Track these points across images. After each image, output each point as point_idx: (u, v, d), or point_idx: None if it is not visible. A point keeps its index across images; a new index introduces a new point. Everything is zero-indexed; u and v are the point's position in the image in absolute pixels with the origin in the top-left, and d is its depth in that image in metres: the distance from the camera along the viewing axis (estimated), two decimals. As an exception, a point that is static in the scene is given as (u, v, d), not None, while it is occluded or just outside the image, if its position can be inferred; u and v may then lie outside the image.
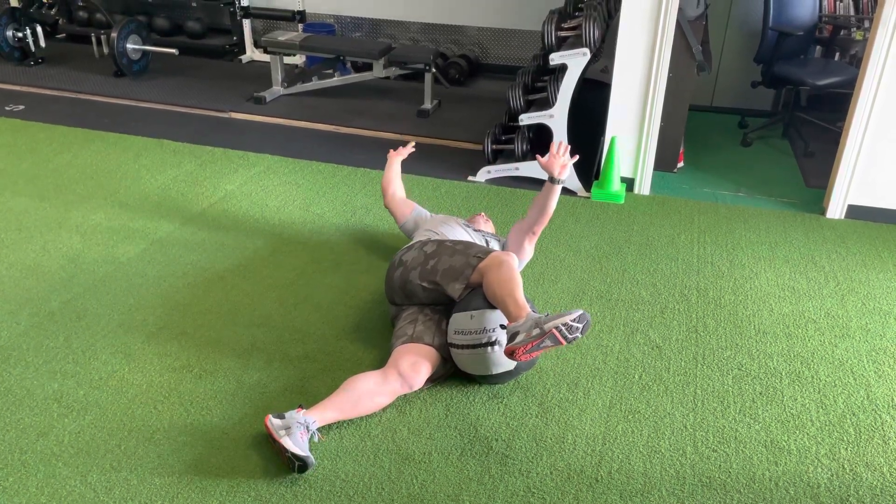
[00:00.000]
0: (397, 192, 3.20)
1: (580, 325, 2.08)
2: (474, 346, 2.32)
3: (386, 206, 3.21)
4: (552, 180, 2.70)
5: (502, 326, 2.27)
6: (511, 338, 2.14)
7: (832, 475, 2.14)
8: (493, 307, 2.32)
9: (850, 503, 2.05)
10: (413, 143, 3.41)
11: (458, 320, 2.37)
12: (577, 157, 2.78)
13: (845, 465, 2.17)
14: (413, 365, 2.31)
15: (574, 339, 2.09)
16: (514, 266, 2.34)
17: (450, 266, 2.45)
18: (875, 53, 3.43)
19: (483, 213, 3.29)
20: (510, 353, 2.14)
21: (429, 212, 3.16)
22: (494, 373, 2.36)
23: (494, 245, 2.88)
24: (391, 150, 3.36)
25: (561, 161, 2.70)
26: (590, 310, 2.90)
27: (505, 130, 4.43)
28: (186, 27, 6.44)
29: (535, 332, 2.09)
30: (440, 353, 2.41)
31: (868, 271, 3.26)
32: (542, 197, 2.74)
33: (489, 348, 2.30)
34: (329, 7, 6.36)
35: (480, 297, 2.36)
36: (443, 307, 2.53)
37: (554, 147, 2.75)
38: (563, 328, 2.07)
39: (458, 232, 2.83)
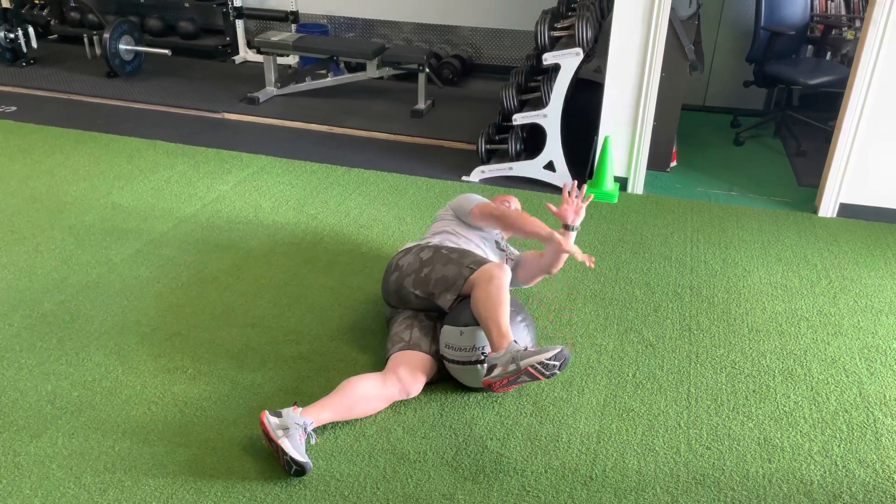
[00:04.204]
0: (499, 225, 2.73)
1: (557, 363, 2.07)
2: (465, 363, 2.33)
3: (484, 215, 2.72)
4: (566, 227, 2.56)
5: (484, 355, 2.28)
6: (489, 370, 2.14)
7: (825, 472, 2.15)
8: None
9: (843, 500, 2.06)
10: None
11: (449, 334, 2.36)
12: (591, 197, 2.61)
13: (838, 462, 2.18)
14: (412, 373, 2.32)
15: (551, 374, 2.09)
16: (503, 283, 2.28)
17: (442, 276, 2.43)
18: (866, 52, 3.45)
19: (497, 199, 3.01)
20: (487, 386, 2.16)
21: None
22: None
23: (505, 257, 2.81)
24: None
25: (574, 206, 2.56)
26: (584, 309, 2.91)
27: (499, 130, 4.43)
28: (179, 28, 6.42)
29: (512, 367, 2.08)
30: (435, 359, 2.41)
31: (860, 269, 3.28)
32: (553, 248, 2.56)
33: (479, 366, 2.31)
34: (322, 7, 6.36)
35: (470, 310, 2.33)
36: (437, 313, 2.52)
37: (566, 192, 2.60)
38: (539, 367, 2.06)
39: (470, 242, 2.68)
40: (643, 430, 2.29)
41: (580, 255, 2.51)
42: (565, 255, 2.61)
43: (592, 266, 2.62)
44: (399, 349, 2.39)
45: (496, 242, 2.81)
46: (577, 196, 2.60)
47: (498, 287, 2.27)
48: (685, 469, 2.14)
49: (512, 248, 2.92)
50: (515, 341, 2.18)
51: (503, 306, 2.23)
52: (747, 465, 2.17)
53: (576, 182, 2.63)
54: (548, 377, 2.09)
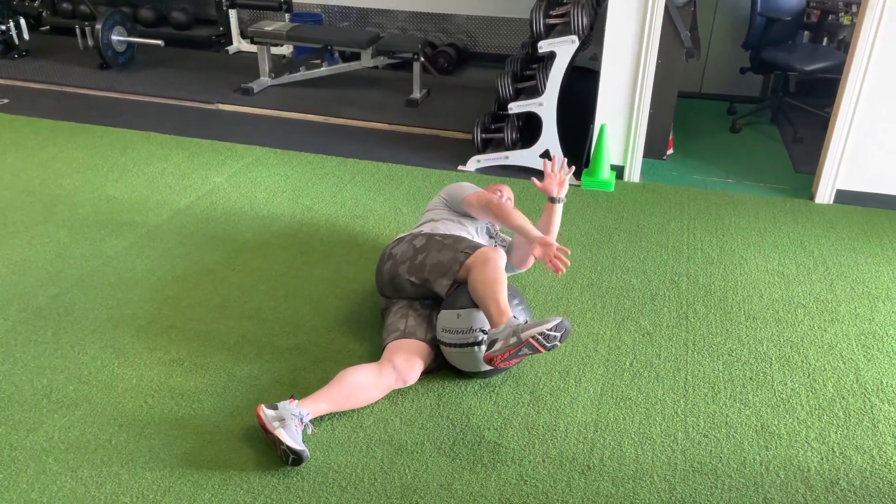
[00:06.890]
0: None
1: (558, 334, 2.07)
2: (462, 346, 2.32)
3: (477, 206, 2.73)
4: (552, 200, 2.66)
5: (483, 331, 2.28)
6: (490, 345, 2.14)
7: (822, 458, 2.15)
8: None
9: (840, 486, 2.06)
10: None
11: (446, 318, 2.36)
12: (573, 168, 2.69)
13: (835, 449, 2.19)
14: (408, 360, 2.31)
15: (553, 346, 2.09)
16: (499, 265, 2.31)
17: (438, 262, 2.44)
18: (863, 38, 3.43)
19: (490, 188, 2.99)
20: (489, 361, 2.15)
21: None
22: (483, 369, 2.37)
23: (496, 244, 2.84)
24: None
25: (558, 179, 2.65)
26: (580, 298, 2.91)
27: (494, 119, 4.41)
28: (172, 18, 6.38)
29: (513, 340, 2.08)
30: (432, 347, 2.41)
31: (857, 255, 3.28)
32: (545, 219, 2.68)
33: (476, 347, 2.30)
34: (316, -4, 6.32)
35: (467, 294, 2.34)
36: (432, 301, 2.52)
37: (548, 167, 2.68)
38: (540, 338, 2.06)
39: (462, 228, 2.72)
40: (640, 418, 2.29)
41: (550, 260, 2.40)
42: (555, 229, 2.68)
43: (560, 271, 2.40)
44: (395, 338, 2.39)
45: (487, 229, 2.85)
46: (559, 170, 2.68)
47: (494, 268, 2.29)
48: (682, 457, 2.15)
49: (504, 235, 2.95)
50: (515, 317, 2.18)
51: (501, 285, 2.25)
52: (744, 452, 2.17)
53: (556, 156, 2.71)
54: (548, 349, 2.08)
